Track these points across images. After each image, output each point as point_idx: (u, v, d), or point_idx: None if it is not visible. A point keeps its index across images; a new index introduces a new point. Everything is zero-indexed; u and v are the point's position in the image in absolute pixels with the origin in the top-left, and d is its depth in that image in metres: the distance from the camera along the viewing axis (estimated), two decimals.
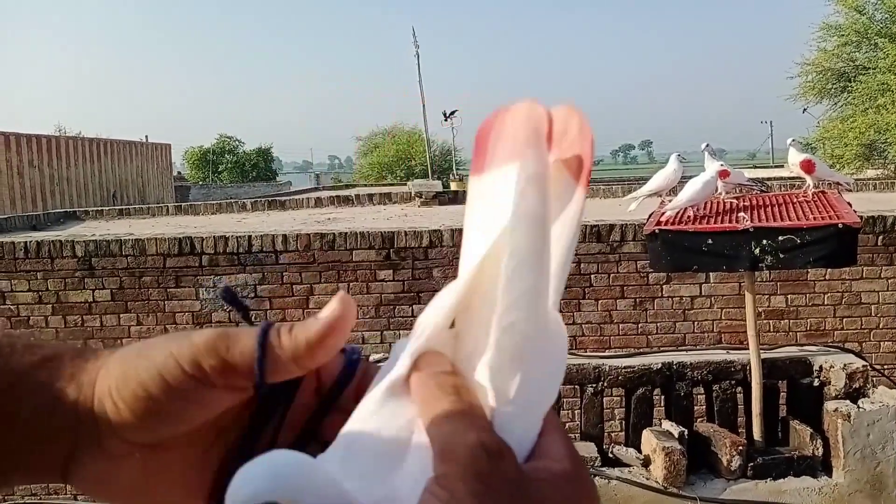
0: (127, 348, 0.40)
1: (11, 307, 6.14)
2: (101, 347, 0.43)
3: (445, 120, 18.77)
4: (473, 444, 0.33)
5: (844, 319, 6.08)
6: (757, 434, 3.77)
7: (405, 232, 6.14)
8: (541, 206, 0.34)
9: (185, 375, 0.38)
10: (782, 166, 17.83)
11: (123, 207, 10.47)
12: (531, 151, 0.35)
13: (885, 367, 5.80)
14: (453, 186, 13.53)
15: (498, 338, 0.34)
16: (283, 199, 11.22)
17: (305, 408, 0.42)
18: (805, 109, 18.31)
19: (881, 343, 6.09)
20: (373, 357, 4.43)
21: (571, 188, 0.37)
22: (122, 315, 6.14)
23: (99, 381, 0.39)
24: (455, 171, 18.01)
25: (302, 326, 0.39)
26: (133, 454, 0.39)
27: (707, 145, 4.56)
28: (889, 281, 6.05)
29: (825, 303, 6.08)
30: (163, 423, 0.39)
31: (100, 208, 10.41)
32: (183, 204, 11.10)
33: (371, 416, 0.37)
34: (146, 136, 21.09)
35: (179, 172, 30.93)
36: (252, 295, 6.06)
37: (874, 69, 16.29)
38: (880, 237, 6.02)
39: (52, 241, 6.22)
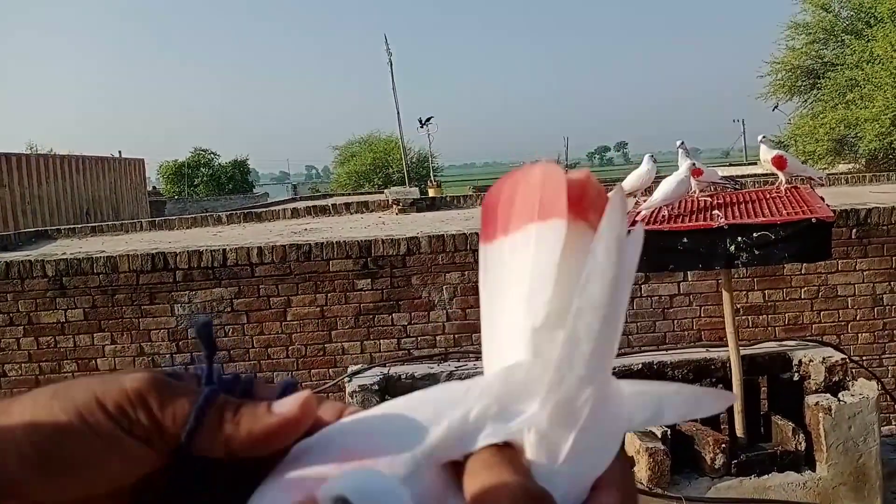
0: (36, 391, 0.35)
1: None
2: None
3: (421, 127, 18.79)
4: (515, 488, 0.32)
5: (822, 313, 6.12)
6: (739, 431, 3.77)
7: (382, 240, 6.09)
8: (614, 265, 0.33)
9: (108, 418, 0.34)
10: (755, 163, 18.04)
11: (96, 225, 10.32)
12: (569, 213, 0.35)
13: (864, 358, 5.84)
14: (431, 193, 13.51)
15: (549, 394, 0.33)
16: (260, 210, 11.11)
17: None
18: (776, 107, 18.56)
19: (859, 335, 6.14)
20: (351, 369, 4.38)
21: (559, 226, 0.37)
22: (95, 334, 6.04)
23: (8, 430, 0.34)
24: (432, 178, 18.00)
25: (250, 415, 0.35)
26: None
27: (682, 143, 4.57)
28: (864, 273, 6.10)
29: (802, 297, 6.12)
30: (76, 475, 0.34)
31: (72, 226, 10.25)
32: (157, 219, 10.96)
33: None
34: (119, 152, 20.84)
35: (154, 187, 30.63)
36: (228, 309, 5.99)
37: (842, 65, 16.54)
38: (854, 230, 6.08)
39: (22, 261, 6.10)
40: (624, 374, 3.98)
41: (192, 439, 0.34)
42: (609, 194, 0.35)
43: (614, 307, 0.33)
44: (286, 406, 0.35)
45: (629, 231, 0.35)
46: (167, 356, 6.04)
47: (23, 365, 6.04)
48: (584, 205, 0.37)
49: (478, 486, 0.32)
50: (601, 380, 0.34)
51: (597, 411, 0.33)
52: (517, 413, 0.34)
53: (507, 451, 0.33)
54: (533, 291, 0.35)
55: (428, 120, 18.75)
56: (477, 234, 6.07)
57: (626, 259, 0.34)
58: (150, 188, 25.25)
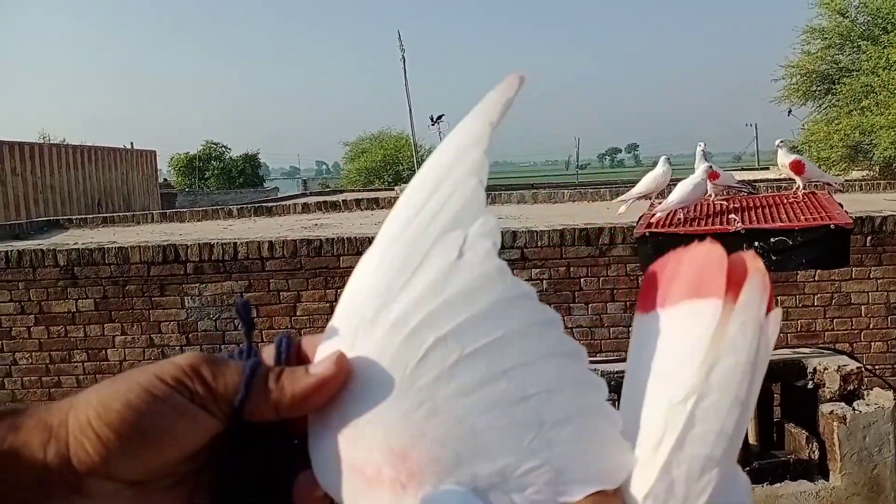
0: (96, 385, 0.38)
1: None
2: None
3: (433, 124, 18.78)
4: None
5: (834, 320, 6.07)
6: (752, 438, 3.74)
7: None
8: (751, 349, 0.34)
9: (170, 388, 0.37)
10: (768, 168, 17.95)
11: (108, 215, 10.35)
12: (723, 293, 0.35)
13: (876, 367, 5.79)
14: None
15: (671, 467, 0.34)
16: (270, 205, 11.12)
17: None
18: (790, 112, 18.45)
19: (872, 343, 6.09)
20: None
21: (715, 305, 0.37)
22: (106, 325, 6.05)
23: (72, 418, 0.36)
24: None
25: (291, 377, 0.39)
26: (121, 494, 0.36)
27: (703, 146, 4.53)
28: (878, 281, 6.05)
29: (815, 304, 6.07)
30: (153, 444, 0.36)
31: (84, 216, 10.28)
32: (168, 211, 10.99)
33: None
34: (131, 143, 20.92)
35: (165, 179, 30.73)
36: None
37: (857, 71, 16.42)
38: (869, 238, 6.02)
39: (34, 250, 6.12)
40: None
41: (244, 405, 0.38)
42: (750, 273, 0.35)
43: (744, 388, 0.34)
44: (322, 367, 0.38)
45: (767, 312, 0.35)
46: (177, 348, 6.04)
47: (33, 354, 6.06)
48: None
49: None
50: (724, 464, 0.34)
51: (716, 495, 0.34)
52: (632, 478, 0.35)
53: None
54: (678, 365, 0.35)
55: (440, 117, 18.75)
56: None
57: (762, 340, 0.34)
58: (161, 180, 25.34)
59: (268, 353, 0.41)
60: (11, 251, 6.09)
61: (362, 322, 0.38)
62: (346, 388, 0.37)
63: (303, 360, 0.41)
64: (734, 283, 0.36)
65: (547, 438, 0.35)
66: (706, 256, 0.37)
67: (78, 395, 0.38)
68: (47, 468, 0.35)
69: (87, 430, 0.36)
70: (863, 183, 11.01)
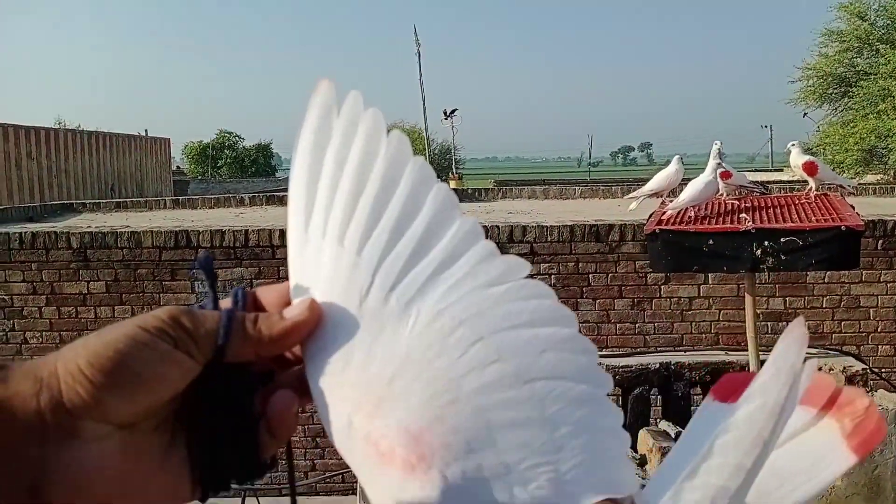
0: (80, 339, 0.40)
1: (5, 298, 6.10)
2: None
3: (445, 118, 18.75)
4: None
5: (843, 322, 6.05)
6: None
7: None
8: (781, 394, 0.35)
9: (155, 336, 0.40)
10: (781, 170, 17.85)
11: (121, 200, 10.42)
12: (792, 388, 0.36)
13: (883, 370, 5.77)
14: (452, 185, 13.50)
15: (682, 491, 0.35)
16: (282, 194, 11.16)
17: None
18: (805, 114, 18.32)
19: (879, 346, 6.07)
20: None
21: (838, 449, 0.39)
22: (116, 307, 6.10)
23: (62, 367, 0.38)
24: (454, 170, 17.98)
25: (267, 321, 0.42)
26: (112, 436, 0.39)
27: (720, 144, 4.51)
28: (888, 285, 6.03)
29: (824, 306, 6.05)
30: (143, 385, 0.39)
31: (97, 201, 10.36)
32: (181, 198, 11.05)
33: None
34: (146, 130, 21.00)
35: (178, 167, 30.85)
36: (248, 289, 6.01)
37: (875, 75, 16.28)
38: (880, 241, 6.00)
39: (48, 232, 6.18)
40: (641, 372, 3.96)
41: (224, 348, 0.41)
42: (791, 325, 0.36)
43: (769, 429, 0.35)
44: (295, 311, 0.42)
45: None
46: None
47: (44, 333, 6.12)
48: (845, 411, 0.39)
49: None
50: (737, 499, 0.35)
51: None
52: None
53: None
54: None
55: (452, 112, 18.71)
56: (498, 226, 6.06)
57: (793, 387, 0.35)
58: (174, 168, 25.43)
59: (225, 304, 0.44)
60: (25, 233, 6.16)
61: (396, 307, 0.41)
62: (367, 364, 0.40)
63: (257, 308, 0.45)
64: (832, 403, 0.39)
65: (558, 444, 0.37)
66: (819, 376, 0.39)
67: (62, 349, 0.40)
68: (41, 414, 0.37)
69: (79, 377, 0.38)
70: (877, 187, 10.93)
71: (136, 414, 0.39)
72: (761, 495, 0.36)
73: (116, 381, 0.38)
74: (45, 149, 14.97)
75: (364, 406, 0.39)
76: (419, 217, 0.43)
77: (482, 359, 0.38)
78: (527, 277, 0.41)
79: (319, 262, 0.43)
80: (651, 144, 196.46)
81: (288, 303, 0.44)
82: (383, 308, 0.41)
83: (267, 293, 0.46)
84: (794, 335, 0.36)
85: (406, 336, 0.40)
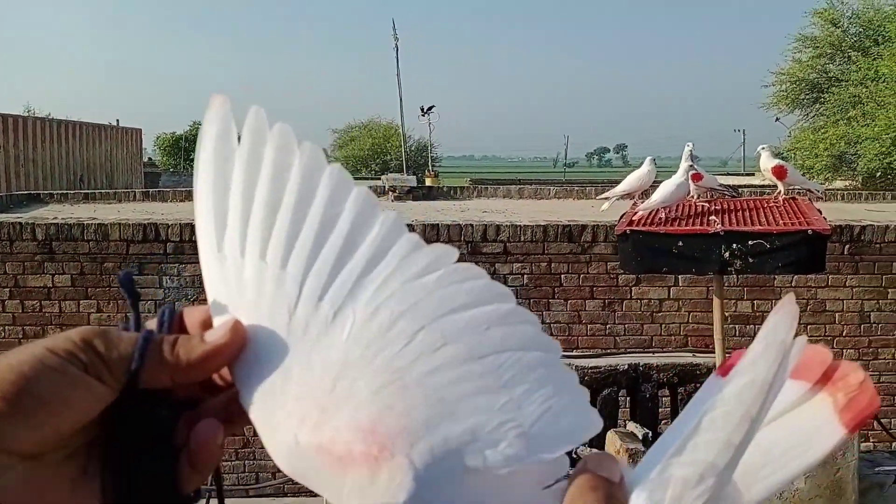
0: None
1: None
2: None
3: (423, 115, 18.72)
4: None
5: (809, 326, 6.13)
6: None
7: None
8: (770, 370, 0.35)
9: (63, 360, 0.37)
10: (753, 174, 18.07)
11: (89, 192, 10.24)
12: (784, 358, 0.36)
13: None
14: (428, 182, 13.47)
15: (671, 467, 0.35)
16: None
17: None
18: (777, 118, 18.58)
19: (844, 351, 6.16)
20: None
21: (831, 425, 0.39)
22: (81, 301, 5.99)
23: None
24: (431, 167, 17.95)
25: (185, 345, 0.40)
26: (14, 468, 0.36)
27: (692, 146, 4.54)
28: (854, 290, 6.12)
29: None
30: (49, 413, 0.36)
31: (64, 192, 10.18)
32: (151, 190, 10.90)
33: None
34: (117, 120, 20.70)
35: (150, 158, 30.46)
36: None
37: (846, 82, 16.55)
38: (846, 246, 6.09)
39: (12, 223, 6.04)
40: (609, 373, 3.97)
41: (139, 374, 0.39)
42: (781, 302, 0.37)
43: (757, 405, 0.35)
44: (217, 334, 0.40)
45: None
46: None
47: (6, 328, 5.99)
48: (838, 385, 0.39)
49: None
50: (725, 475, 0.35)
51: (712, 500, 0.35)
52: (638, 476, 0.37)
53: (610, 497, 0.35)
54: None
55: (430, 109, 18.69)
56: (472, 225, 6.05)
57: (783, 364, 0.35)
58: (146, 159, 25.11)
59: (152, 325, 0.42)
60: None
61: (312, 307, 0.40)
62: (306, 376, 0.38)
63: (183, 329, 0.43)
64: (827, 378, 0.39)
65: (517, 402, 0.37)
66: (813, 350, 0.39)
67: None
68: None
69: None
70: (845, 192, 11.12)
71: (42, 444, 0.37)
72: (751, 471, 0.36)
73: (19, 408, 0.35)
74: (13, 137, 14.68)
75: (309, 418, 0.38)
76: (340, 222, 0.42)
77: (429, 345, 0.38)
78: (456, 262, 0.41)
79: (241, 279, 0.42)
80: (626, 146, 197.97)
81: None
82: (315, 317, 0.39)
83: (193, 314, 0.43)
84: (785, 311, 0.36)
85: (343, 340, 0.39)
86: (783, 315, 0.36)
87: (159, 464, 0.40)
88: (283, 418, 0.38)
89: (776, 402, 0.37)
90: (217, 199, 0.44)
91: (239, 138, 0.44)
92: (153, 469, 0.40)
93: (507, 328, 0.39)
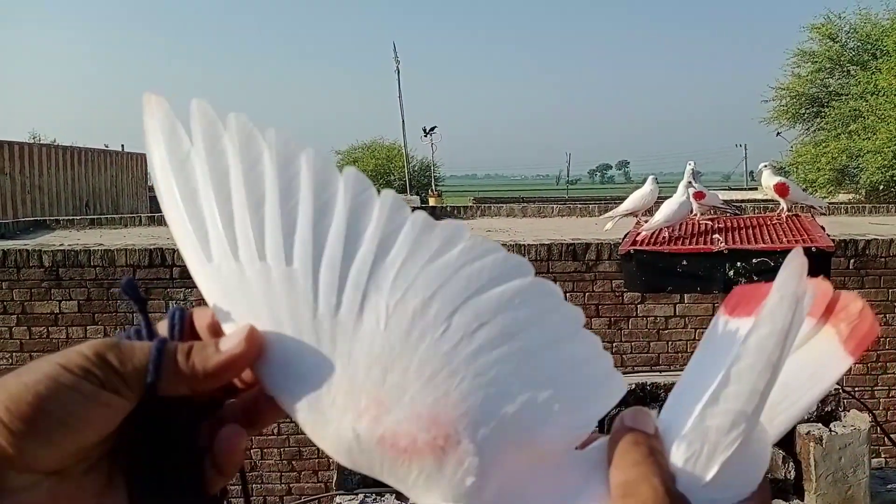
0: (1, 379, 0.38)
1: None
2: None
3: (425, 135, 18.82)
4: (657, 487, 0.36)
5: None
6: None
7: None
8: (787, 318, 0.37)
9: (79, 377, 0.37)
10: (756, 189, 18.10)
11: (95, 217, 10.30)
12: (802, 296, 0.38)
13: (856, 389, 5.83)
14: (431, 202, 13.52)
15: (705, 418, 0.37)
16: None
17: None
18: (779, 133, 18.62)
19: (852, 366, 6.12)
20: None
21: (837, 355, 0.41)
22: (89, 327, 6.01)
23: None
24: (434, 187, 18.02)
25: (201, 353, 0.39)
26: (39, 485, 0.37)
27: (693, 165, 4.56)
28: None
29: None
30: (67, 430, 0.37)
31: (71, 217, 10.24)
32: (156, 215, 10.94)
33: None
34: (122, 146, 20.84)
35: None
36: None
37: (846, 95, 16.60)
38: (852, 260, 6.08)
39: (19, 250, 6.08)
40: None
41: (155, 385, 0.38)
42: (791, 254, 0.39)
43: (777, 353, 0.37)
44: (232, 342, 0.39)
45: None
46: None
47: (14, 354, 6.01)
48: (840, 316, 0.42)
49: (622, 479, 0.37)
50: (753, 420, 0.37)
51: (744, 445, 0.37)
52: (672, 423, 0.39)
53: (653, 450, 0.38)
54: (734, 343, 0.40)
55: (432, 129, 18.80)
56: None
57: (798, 310, 0.37)
58: (150, 183, 25.21)
59: (162, 327, 0.42)
60: None
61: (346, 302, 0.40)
62: (351, 371, 0.39)
63: (194, 332, 0.42)
64: (830, 311, 0.42)
65: (555, 373, 0.39)
66: (816, 286, 0.41)
67: None
68: None
69: None
70: (848, 206, 11.11)
71: (64, 460, 0.37)
72: (771, 407, 0.39)
73: (38, 428, 0.36)
74: (20, 164, 14.78)
75: (366, 412, 0.38)
76: (336, 209, 0.41)
77: (466, 327, 0.39)
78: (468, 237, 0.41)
79: (243, 284, 0.40)
80: (628, 163, 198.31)
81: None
82: (341, 311, 0.39)
83: (203, 316, 0.42)
84: (794, 263, 0.38)
85: (382, 330, 0.39)
86: (793, 267, 0.38)
87: (184, 469, 0.40)
88: (336, 415, 0.38)
89: None
90: (187, 207, 0.42)
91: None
92: (179, 474, 0.40)
93: (534, 301, 0.40)
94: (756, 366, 0.37)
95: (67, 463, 0.37)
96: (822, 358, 0.42)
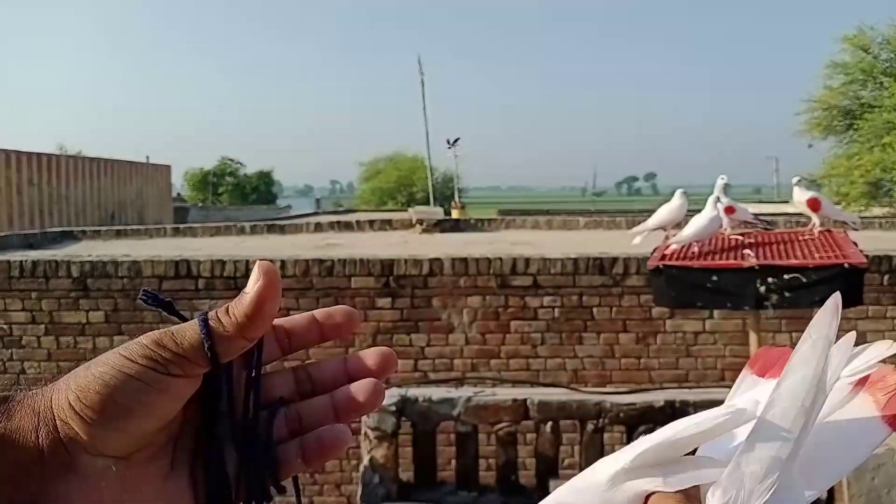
0: (72, 372, 0.41)
1: (4, 326, 6.06)
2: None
3: (449, 147, 18.83)
4: None
5: None
6: None
7: (405, 260, 6.06)
8: (820, 364, 0.38)
9: (142, 366, 0.39)
10: (787, 202, 17.84)
11: (121, 228, 10.42)
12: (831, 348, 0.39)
13: None
14: (455, 214, 13.48)
15: (741, 465, 0.37)
16: (283, 223, 11.16)
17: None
18: (811, 145, 18.37)
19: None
20: None
21: (873, 423, 0.41)
22: (115, 337, 6.05)
23: (55, 403, 0.39)
24: (457, 199, 17.99)
25: (236, 303, 0.42)
26: (109, 468, 0.39)
27: (725, 178, 4.48)
28: (894, 321, 5.96)
29: None
30: (133, 417, 0.39)
31: (97, 228, 10.36)
32: (181, 226, 11.05)
33: None
34: (147, 157, 21.10)
35: (179, 193, 30.96)
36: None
37: (880, 108, 16.34)
38: (886, 276, 5.94)
39: (48, 260, 6.15)
40: (646, 410, 3.89)
41: (214, 348, 0.41)
42: (827, 303, 0.39)
43: (811, 398, 0.37)
44: (253, 281, 0.42)
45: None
46: None
47: (41, 363, 6.07)
48: (878, 386, 0.42)
49: None
50: (788, 466, 0.37)
51: (779, 493, 0.37)
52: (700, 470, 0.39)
53: (689, 496, 0.38)
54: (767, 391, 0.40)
55: (455, 141, 18.79)
56: (501, 258, 6.01)
57: (830, 356, 0.38)
58: (174, 194, 25.54)
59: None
60: (26, 261, 6.13)
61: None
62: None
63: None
64: (865, 380, 0.42)
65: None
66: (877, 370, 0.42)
67: (57, 381, 0.40)
68: (42, 449, 0.38)
69: (70, 413, 0.39)
70: (882, 220, 10.90)
71: (130, 446, 0.40)
72: (807, 466, 0.39)
73: (107, 416, 0.39)
74: (47, 175, 15.03)
75: None
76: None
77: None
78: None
79: None
80: (655, 175, 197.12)
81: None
82: None
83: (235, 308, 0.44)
84: (829, 308, 0.39)
85: None
86: (827, 312, 0.39)
87: (254, 456, 0.43)
88: None
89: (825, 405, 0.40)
90: None
91: None
92: (249, 460, 0.43)
93: None
94: (790, 411, 0.37)
95: (134, 448, 0.40)
96: (859, 425, 0.41)
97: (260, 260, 0.43)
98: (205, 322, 0.41)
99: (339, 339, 0.44)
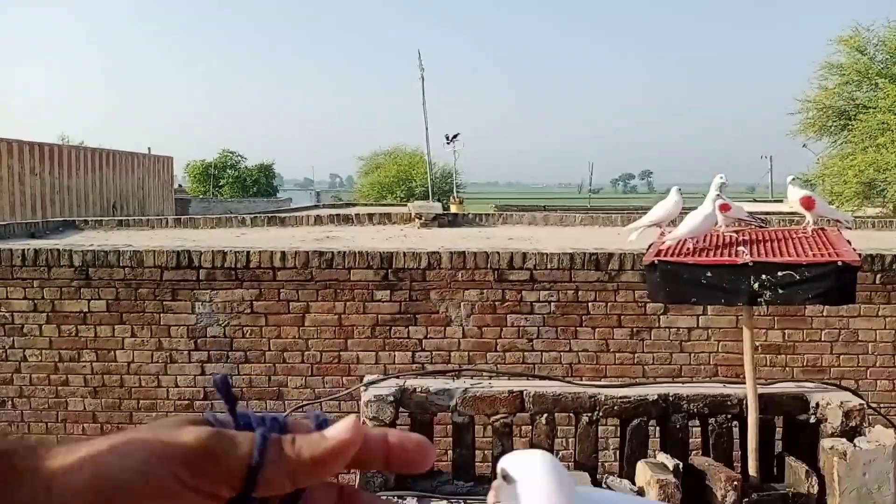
0: (91, 444, 0.36)
1: (6, 314, 6.11)
2: (49, 443, 0.37)
3: (448, 143, 18.84)
4: None
5: (841, 356, 6.06)
6: (752, 470, 3.74)
7: (404, 253, 6.13)
8: None
9: (172, 479, 0.35)
10: (781, 201, 17.91)
11: (123, 218, 10.47)
12: None
13: (881, 405, 5.77)
14: (453, 209, 13.54)
15: None
16: (283, 215, 11.21)
17: None
18: (805, 145, 18.45)
19: (877, 381, 6.07)
20: (367, 378, 4.40)
21: None
22: (116, 326, 6.11)
23: (58, 488, 0.34)
24: (455, 194, 18.03)
25: (307, 442, 0.38)
26: None
27: (723, 177, 4.54)
28: (887, 319, 6.04)
29: (822, 339, 6.06)
30: None
31: (99, 218, 10.41)
32: (182, 217, 11.09)
33: None
34: (149, 148, 21.11)
35: (180, 185, 30.93)
36: (248, 311, 6.04)
37: (874, 108, 16.41)
38: (878, 275, 6.02)
39: (50, 249, 6.20)
40: (639, 403, 3.96)
41: (258, 472, 0.36)
42: None
43: None
44: (339, 429, 0.38)
45: None
46: (185, 352, 6.10)
47: (43, 351, 6.13)
48: None
49: None
50: None
51: None
52: None
53: None
54: None
55: (455, 136, 18.79)
56: (499, 252, 6.09)
57: None
58: (176, 186, 25.52)
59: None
60: (28, 250, 6.18)
61: None
62: None
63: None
64: None
65: None
66: None
67: (71, 454, 0.35)
68: None
69: None
70: (875, 220, 10.98)
71: None
72: None
73: None
74: (49, 165, 15.04)
75: None
76: None
77: None
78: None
79: None
80: (651, 172, 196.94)
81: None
82: None
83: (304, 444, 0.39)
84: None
85: None
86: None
87: None
88: None
89: None
90: None
91: None
92: None
93: None
94: None
95: None
96: None
97: (355, 420, 0.39)
98: (263, 441, 0.37)
99: (407, 471, 0.39)
